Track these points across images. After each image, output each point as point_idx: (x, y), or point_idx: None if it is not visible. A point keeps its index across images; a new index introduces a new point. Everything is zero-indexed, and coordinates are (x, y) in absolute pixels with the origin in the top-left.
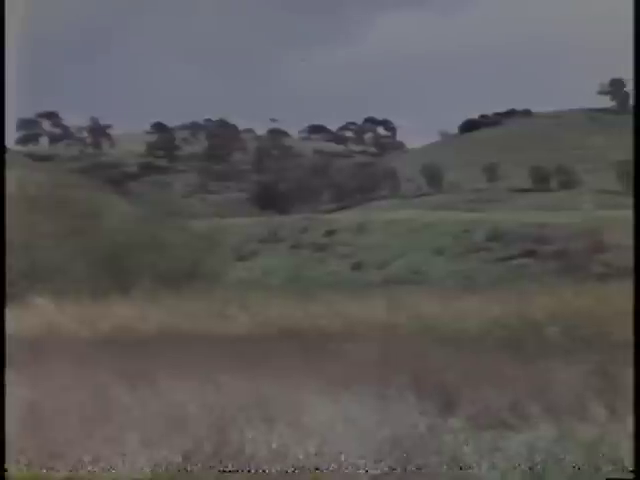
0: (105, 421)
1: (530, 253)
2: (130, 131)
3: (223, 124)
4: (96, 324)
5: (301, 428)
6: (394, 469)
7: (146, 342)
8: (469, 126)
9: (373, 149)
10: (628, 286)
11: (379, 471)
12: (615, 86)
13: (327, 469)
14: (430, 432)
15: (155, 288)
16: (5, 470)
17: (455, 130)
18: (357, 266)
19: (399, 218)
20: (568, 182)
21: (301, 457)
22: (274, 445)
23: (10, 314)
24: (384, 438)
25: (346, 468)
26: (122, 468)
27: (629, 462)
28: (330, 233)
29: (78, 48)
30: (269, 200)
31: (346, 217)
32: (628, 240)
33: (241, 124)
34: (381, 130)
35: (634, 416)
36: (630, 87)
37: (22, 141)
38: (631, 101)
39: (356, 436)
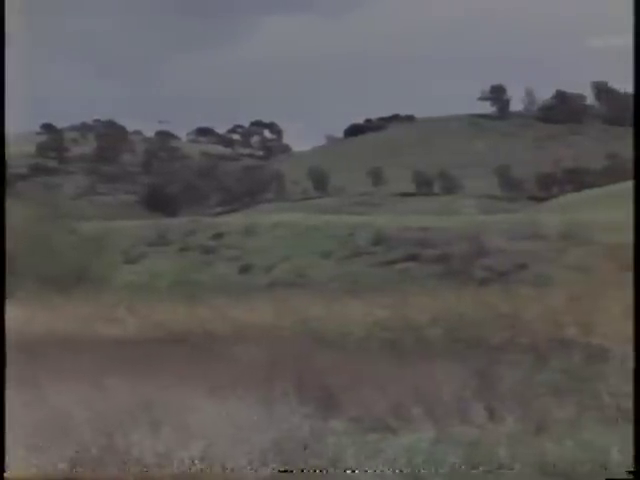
0: None
1: (413, 257)
2: (20, 132)
3: (112, 125)
4: None
5: (187, 431)
6: (279, 471)
7: (32, 345)
8: (354, 130)
9: (260, 152)
10: (508, 289)
11: (263, 474)
12: (496, 92)
13: (212, 472)
14: (313, 435)
15: (42, 290)
16: (5, 470)
17: (341, 134)
18: (244, 269)
19: (285, 221)
20: (450, 187)
21: (186, 461)
22: (160, 449)
23: None
24: (269, 441)
25: (231, 471)
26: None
27: (507, 462)
28: (218, 236)
29: None
30: (157, 202)
31: (233, 220)
32: (508, 245)
33: (130, 125)
34: (267, 133)
35: (634, 416)
36: (510, 94)
37: None
38: (510, 107)
39: (241, 439)
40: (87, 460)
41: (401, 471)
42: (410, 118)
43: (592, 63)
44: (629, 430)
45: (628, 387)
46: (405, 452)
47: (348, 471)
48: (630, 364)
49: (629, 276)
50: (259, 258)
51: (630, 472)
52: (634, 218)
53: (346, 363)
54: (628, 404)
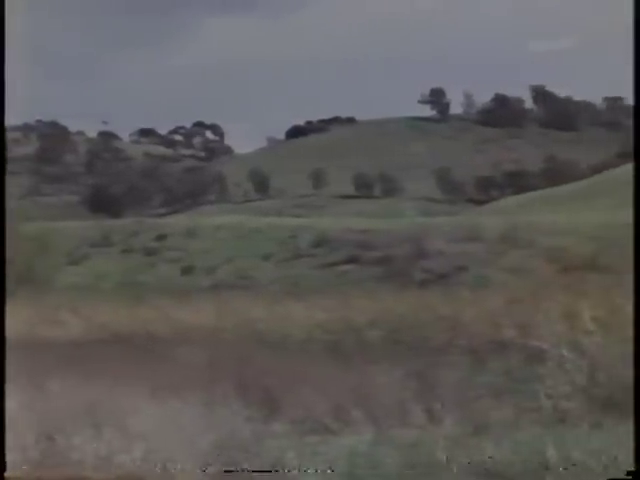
0: None
1: (354, 259)
2: None
3: (54, 125)
4: None
5: (128, 434)
6: (219, 473)
7: None
8: (295, 132)
9: (202, 153)
10: (447, 291)
11: (205, 476)
12: (435, 95)
13: (153, 475)
14: (254, 437)
15: None
16: (4, 470)
17: (282, 136)
18: (187, 271)
19: (227, 223)
20: (391, 189)
21: (128, 463)
22: (101, 452)
23: None
24: (210, 443)
25: (172, 474)
26: None
27: (445, 463)
28: (160, 237)
29: None
30: (100, 203)
31: (176, 221)
32: (448, 247)
33: (73, 126)
34: (210, 134)
35: (634, 416)
36: (450, 97)
37: None
38: (450, 110)
39: (183, 442)
40: (27, 462)
41: (341, 472)
42: (351, 120)
43: (531, 67)
44: (565, 430)
45: (565, 388)
46: (345, 454)
47: (289, 472)
48: (567, 366)
49: (567, 278)
50: (201, 260)
51: (630, 472)
52: (634, 218)
53: (287, 365)
54: (565, 405)
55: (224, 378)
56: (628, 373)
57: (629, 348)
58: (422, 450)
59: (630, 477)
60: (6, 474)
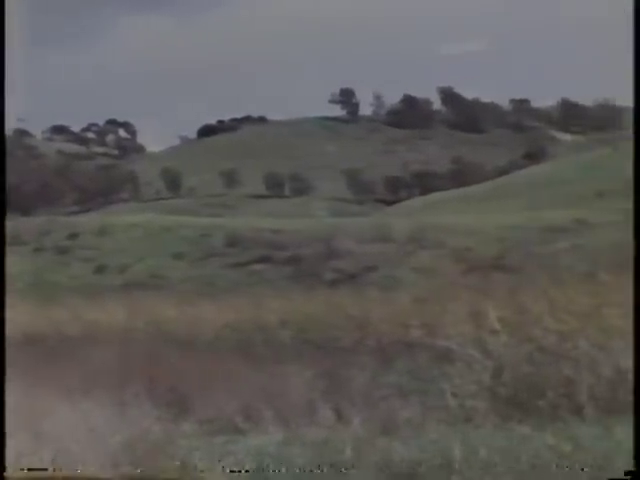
0: None
1: (265, 259)
2: None
3: None
4: None
5: (38, 436)
6: (130, 474)
7: None
8: (207, 131)
9: (115, 151)
10: (357, 291)
11: (114, 476)
12: (345, 96)
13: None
14: (164, 437)
15: None
16: (5, 470)
17: (194, 135)
18: (99, 270)
19: (139, 221)
20: (302, 189)
21: (38, 465)
22: (10, 454)
23: None
24: (120, 444)
25: (82, 473)
26: None
27: (353, 462)
28: (73, 236)
29: None
30: (12, 201)
31: (88, 220)
32: (357, 247)
33: None
34: (122, 132)
35: (634, 416)
36: (359, 97)
37: None
38: (360, 111)
39: (93, 443)
40: None
41: (249, 472)
42: (262, 119)
43: (440, 69)
44: (470, 429)
45: (471, 387)
46: (254, 453)
47: (198, 472)
48: (476, 366)
49: (474, 278)
50: (113, 259)
51: (629, 472)
52: (634, 218)
53: (198, 365)
54: (471, 404)
55: (134, 378)
56: (533, 372)
57: (534, 347)
58: (331, 449)
59: (629, 477)
60: (6, 474)
